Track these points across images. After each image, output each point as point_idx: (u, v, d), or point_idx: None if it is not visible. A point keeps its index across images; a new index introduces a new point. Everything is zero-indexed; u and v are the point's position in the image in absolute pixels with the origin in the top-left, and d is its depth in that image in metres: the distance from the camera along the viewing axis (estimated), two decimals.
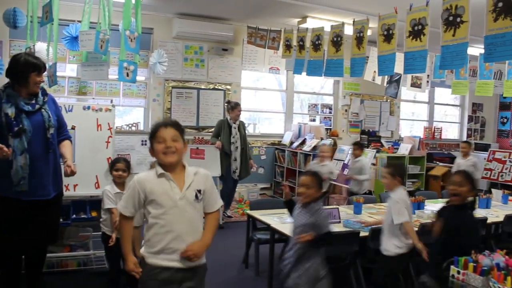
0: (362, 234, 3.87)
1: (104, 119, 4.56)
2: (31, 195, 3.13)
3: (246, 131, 7.05)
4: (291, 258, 3.19)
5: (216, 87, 8.21)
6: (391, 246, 3.60)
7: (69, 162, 3.38)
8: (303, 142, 8.24)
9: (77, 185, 4.28)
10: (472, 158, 6.94)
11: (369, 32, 5.02)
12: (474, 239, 3.22)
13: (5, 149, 2.91)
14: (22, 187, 3.08)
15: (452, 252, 2.89)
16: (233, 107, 6.69)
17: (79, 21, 5.42)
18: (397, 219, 3.55)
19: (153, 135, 2.37)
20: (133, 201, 2.32)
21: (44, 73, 3.38)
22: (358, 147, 6.47)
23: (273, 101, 9.30)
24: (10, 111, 3.05)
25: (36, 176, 3.14)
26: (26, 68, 3.12)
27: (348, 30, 5.28)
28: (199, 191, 2.36)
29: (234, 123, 6.66)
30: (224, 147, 6.52)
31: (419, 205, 4.89)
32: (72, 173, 3.37)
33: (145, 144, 6.88)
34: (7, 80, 3.22)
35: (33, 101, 3.18)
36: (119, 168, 3.81)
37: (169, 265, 2.29)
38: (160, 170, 2.32)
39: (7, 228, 3.13)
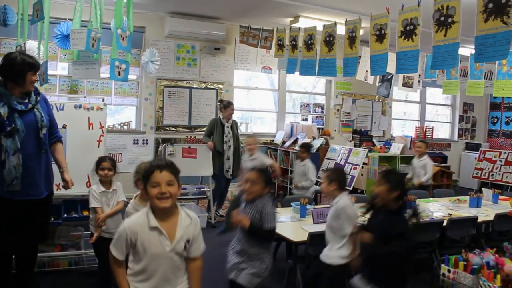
0: None
1: (95, 118, 4.53)
2: (24, 195, 3.11)
3: (239, 130, 7.04)
4: (236, 249, 3.14)
5: (208, 86, 8.21)
6: (336, 256, 3.30)
7: (66, 175, 3.45)
8: (295, 142, 8.25)
9: None
10: (425, 158, 6.54)
11: (361, 32, 5.04)
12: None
13: None
14: (15, 187, 3.06)
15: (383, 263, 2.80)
16: (226, 106, 6.67)
17: (71, 20, 5.38)
18: (349, 229, 3.22)
19: (147, 177, 2.26)
20: (125, 245, 2.27)
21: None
22: (305, 150, 6.14)
23: (265, 100, 9.31)
24: (3, 110, 3.01)
25: (28, 176, 3.12)
26: (23, 68, 3.09)
27: (341, 30, 5.29)
28: (188, 241, 2.31)
29: (227, 122, 6.65)
30: (217, 146, 6.49)
31: (410, 204, 4.90)
32: (70, 187, 3.48)
33: (137, 143, 6.87)
34: None
35: (26, 100, 3.15)
36: (105, 167, 3.78)
37: None
38: (153, 222, 2.24)
39: (2, 228, 3.11)
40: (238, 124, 7.17)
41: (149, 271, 2.25)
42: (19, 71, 3.09)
